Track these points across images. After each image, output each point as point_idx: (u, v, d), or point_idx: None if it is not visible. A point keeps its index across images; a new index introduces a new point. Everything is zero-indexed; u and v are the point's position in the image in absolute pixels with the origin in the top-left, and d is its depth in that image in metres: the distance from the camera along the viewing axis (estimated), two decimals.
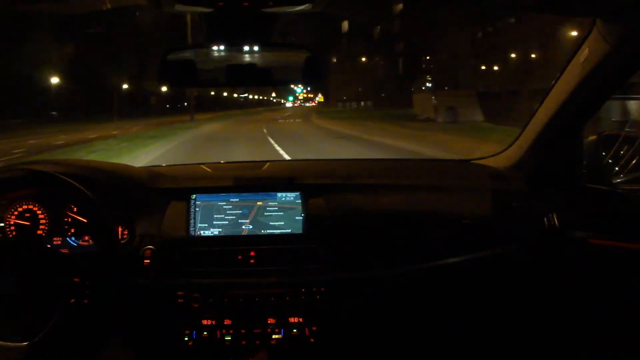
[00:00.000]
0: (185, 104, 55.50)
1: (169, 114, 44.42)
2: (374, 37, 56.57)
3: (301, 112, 53.71)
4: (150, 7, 1.61)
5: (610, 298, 1.87)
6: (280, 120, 34.39)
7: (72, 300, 1.44)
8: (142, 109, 44.24)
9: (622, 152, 1.94)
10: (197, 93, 51.80)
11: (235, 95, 74.26)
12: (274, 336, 1.78)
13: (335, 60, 72.75)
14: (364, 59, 63.31)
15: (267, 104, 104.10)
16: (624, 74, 1.68)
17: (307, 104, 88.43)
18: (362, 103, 63.87)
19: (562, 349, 1.99)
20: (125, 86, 42.65)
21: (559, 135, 1.93)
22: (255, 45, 1.61)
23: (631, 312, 1.81)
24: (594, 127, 2.04)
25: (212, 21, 1.54)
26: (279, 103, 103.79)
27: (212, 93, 67.21)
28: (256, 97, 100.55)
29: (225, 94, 72.19)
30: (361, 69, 64.01)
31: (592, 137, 1.90)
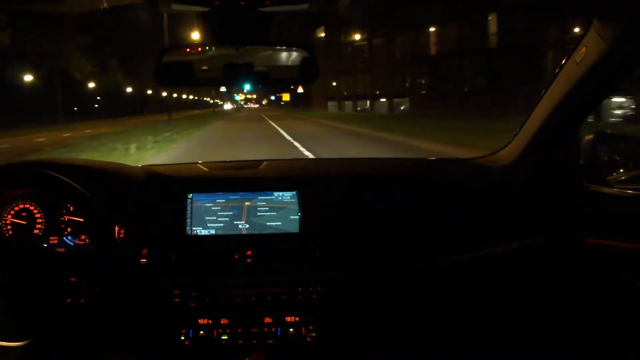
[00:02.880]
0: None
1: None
2: None
3: (323, 127, 26.26)
4: (147, 7, 1.61)
5: (606, 297, 1.87)
6: None
7: (69, 300, 1.43)
8: None
9: (619, 151, 1.96)
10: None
11: (165, 94, 55.14)
12: (270, 335, 1.78)
13: (323, 35, 46.39)
14: (384, 31, 36.86)
15: (205, 105, 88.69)
16: (621, 74, 1.68)
17: (248, 106, 74.13)
18: (380, 101, 41.88)
19: (560, 348, 1.99)
20: None
21: (555, 135, 1.93)
22: (252, 44, 1.61)
23: (628, 312, 1.82)
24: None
25: (208, 20, 1.54)
26: (216, 104, 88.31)
27: (129, 89, 49.06)
28: (191, 97, 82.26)
29: (149, 91, 53.60)
30: (381, 48, 39.97)
31: (589, 136, 1.90)
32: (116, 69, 45.41)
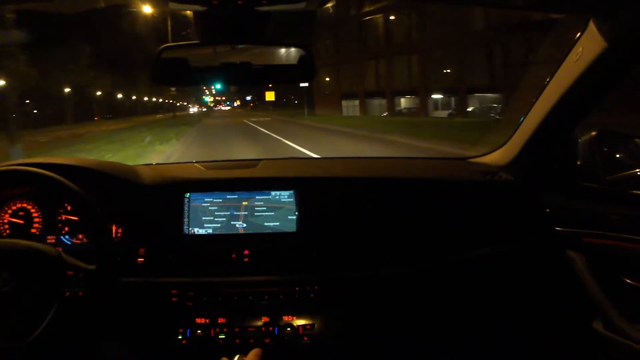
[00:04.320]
0: None
1: None
2: None
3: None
4: (144, 5, 1.62)
5: (605, 297, 1.85)
6: None
7: (67, 294, 1.44)
8: None
9: (616, 151, 1.93)
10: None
11: (120, 95, 47.02)
12: (267, 335, 1.78)
13: (330, 5, 29.63)
14: None
15: (170, 108, 77.06)
16: (618, 74, 1.67)
17: (218, 108, 67.75)
18: (437, 97, 26.74)
19: (560, 348, 1.99)
20: None
21: (553, 134, 1.93)
22: (249, 43, 1.62)
23: (627, 312, 1.80)
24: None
25: (206, 19, 1.55)
26: (182, 107, 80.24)
27: (65, 89, 33.45)
28: (154, 99, 73.16)
29: (98, 93, 41.59)
30: (441, 13, 24.64)
31: (587, 136, 1.89)
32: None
